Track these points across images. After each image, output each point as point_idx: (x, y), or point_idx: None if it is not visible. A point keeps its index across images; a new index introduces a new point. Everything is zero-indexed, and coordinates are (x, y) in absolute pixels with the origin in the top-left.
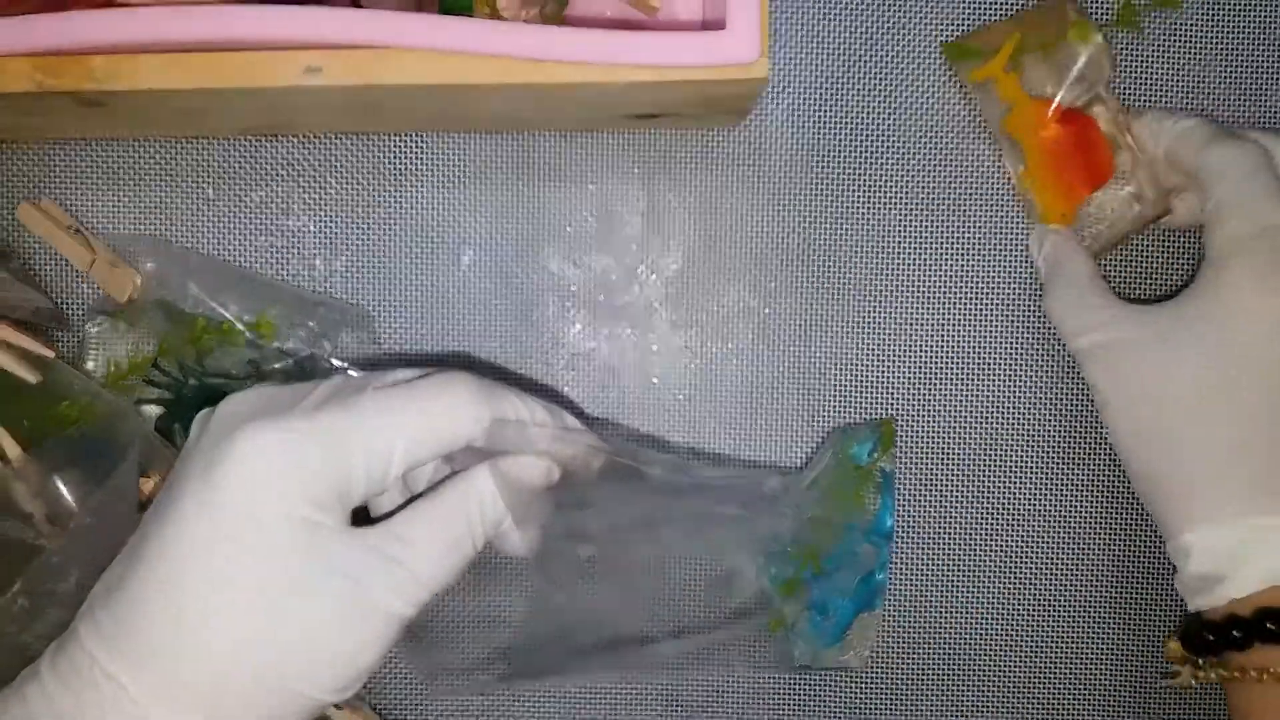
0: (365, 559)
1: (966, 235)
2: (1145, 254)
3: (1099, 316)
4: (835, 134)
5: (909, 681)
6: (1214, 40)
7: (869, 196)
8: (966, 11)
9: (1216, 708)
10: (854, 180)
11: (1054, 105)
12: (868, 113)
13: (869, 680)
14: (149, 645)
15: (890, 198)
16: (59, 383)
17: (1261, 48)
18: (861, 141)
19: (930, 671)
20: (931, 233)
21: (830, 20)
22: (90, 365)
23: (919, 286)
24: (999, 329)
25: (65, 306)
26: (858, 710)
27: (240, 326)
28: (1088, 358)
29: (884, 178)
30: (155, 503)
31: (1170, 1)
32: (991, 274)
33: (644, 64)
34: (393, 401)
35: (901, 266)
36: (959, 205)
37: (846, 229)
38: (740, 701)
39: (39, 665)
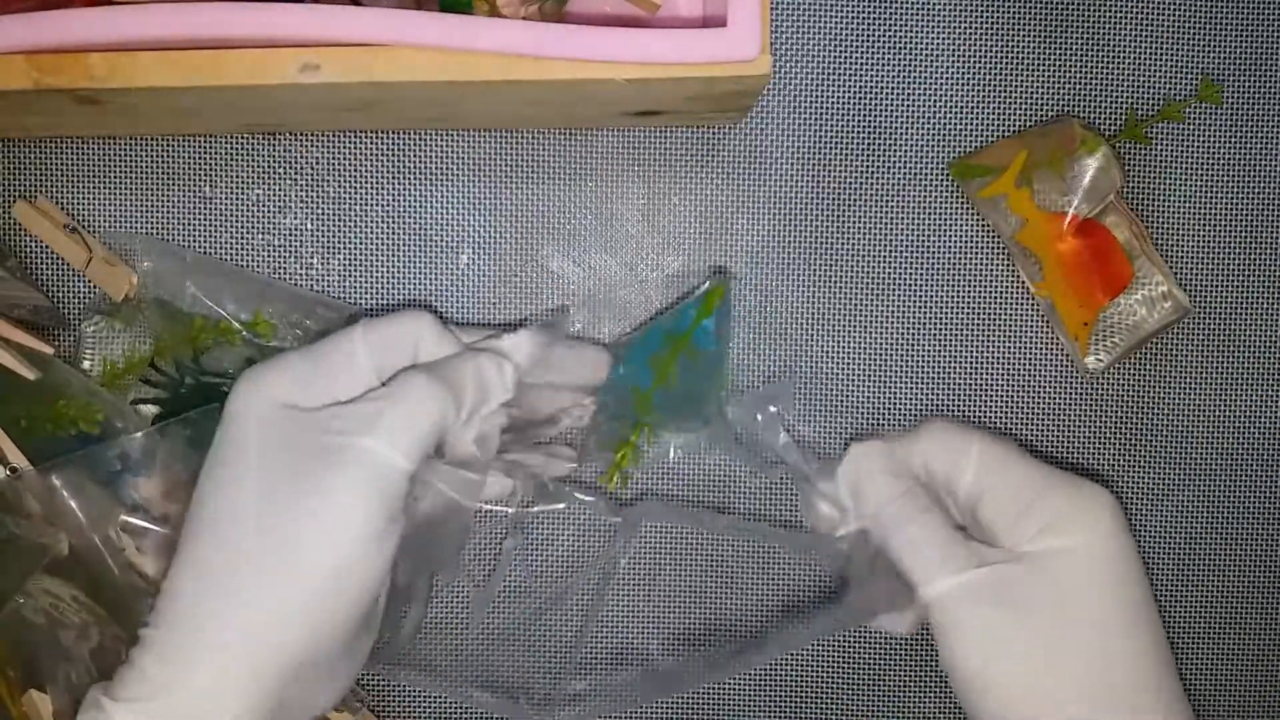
0: (339, 410)
1: (967, 231)
2: None
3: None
4: (835, 132)
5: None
6: (1219, 149)
7: (869, 194)
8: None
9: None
10: (854, 178)
11: (1069, 218)
12: (868, 110)
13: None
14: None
15: (891, 195)
16: (57, 381)
17: (1265, 156)
18: (862, 139)
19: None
20: (932, 230)
21: (830, 17)
22: (87, 364)
23: (920, 284)
24: (1000, 325)
25: (61, 305)
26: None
27: (237, 325)
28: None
29: (884, 175)
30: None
31: (1173, 115)
32: (992, 269)
33: (644, 61)
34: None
35: (902, 264)
36: (959, 202)
37: (847, 226)
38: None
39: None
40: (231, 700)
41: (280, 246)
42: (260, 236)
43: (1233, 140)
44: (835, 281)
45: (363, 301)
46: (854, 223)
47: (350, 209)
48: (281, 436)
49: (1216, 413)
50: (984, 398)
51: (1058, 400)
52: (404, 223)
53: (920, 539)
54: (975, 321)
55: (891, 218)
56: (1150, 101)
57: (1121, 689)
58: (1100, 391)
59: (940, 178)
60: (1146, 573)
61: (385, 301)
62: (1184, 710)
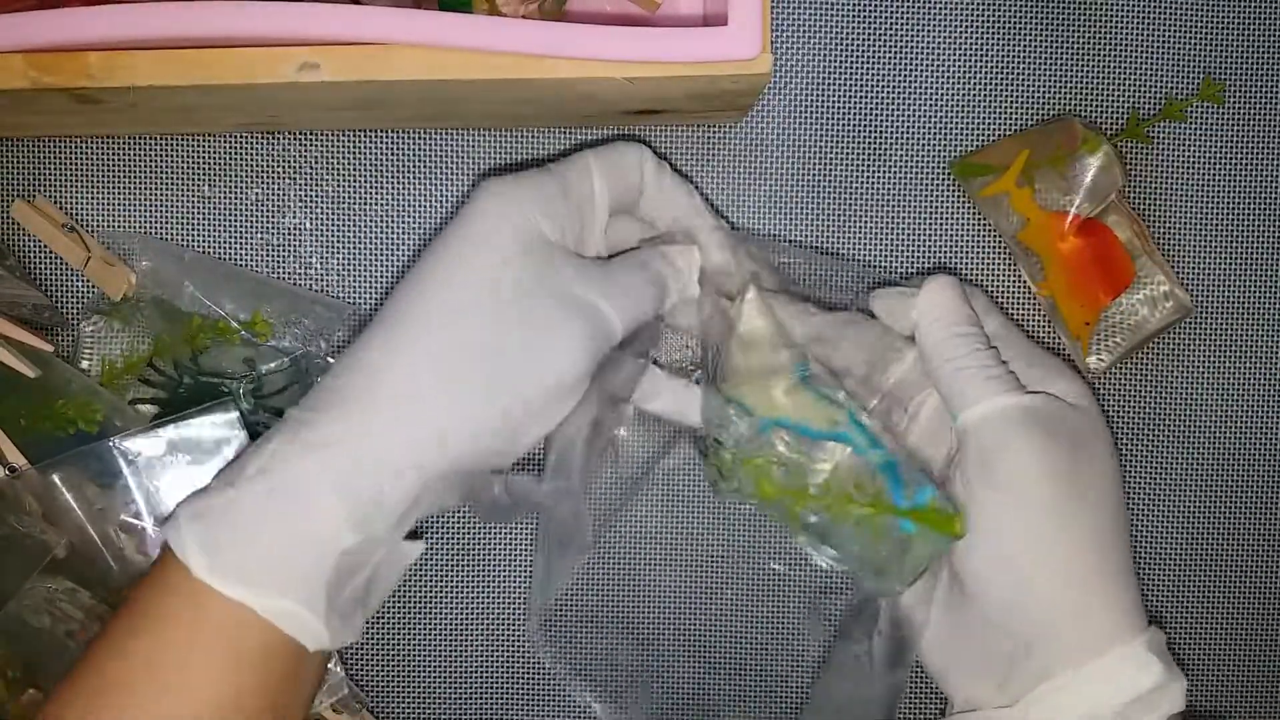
0: (583, 265)
1: (969, 225)
2: None
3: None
4: (836, 132)
5: None
6: (1221, 149)
7: (871, 193)
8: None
9: None
10: (855, 178)
11: (1070, 217)
12: (869, 109)
13: None
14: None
15: (892, 194)
16: (56, 380)
17: (1266, 156)
18: (863, 138)
19: None
20: (932, 226)
21: (831, 16)
22: (85, 364)
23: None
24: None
25: (60, 305)
26: None
27: (236, 325)
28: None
29: (886, 174)
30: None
31: (1175, 114)
32: (994, 268)
33: (644, 60)
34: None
35: (903, 263)
36: (960, 198)
37: (847, 227)
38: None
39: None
40: (413, 455)
41: (279, 246)
42: (259, 235)
43: (1235, 140)
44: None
45: (362, 301)
46: (855, 222)
47: (350, 208)
48: (536, 267)
49: (1218, 412)
50: None
51: None
52: (404, 222)
53: (974, 364)
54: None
55: (893, 217)
56: (1152, 101)
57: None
58: (1102, 391)
59: (942, 177)
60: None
61: (383, 300)
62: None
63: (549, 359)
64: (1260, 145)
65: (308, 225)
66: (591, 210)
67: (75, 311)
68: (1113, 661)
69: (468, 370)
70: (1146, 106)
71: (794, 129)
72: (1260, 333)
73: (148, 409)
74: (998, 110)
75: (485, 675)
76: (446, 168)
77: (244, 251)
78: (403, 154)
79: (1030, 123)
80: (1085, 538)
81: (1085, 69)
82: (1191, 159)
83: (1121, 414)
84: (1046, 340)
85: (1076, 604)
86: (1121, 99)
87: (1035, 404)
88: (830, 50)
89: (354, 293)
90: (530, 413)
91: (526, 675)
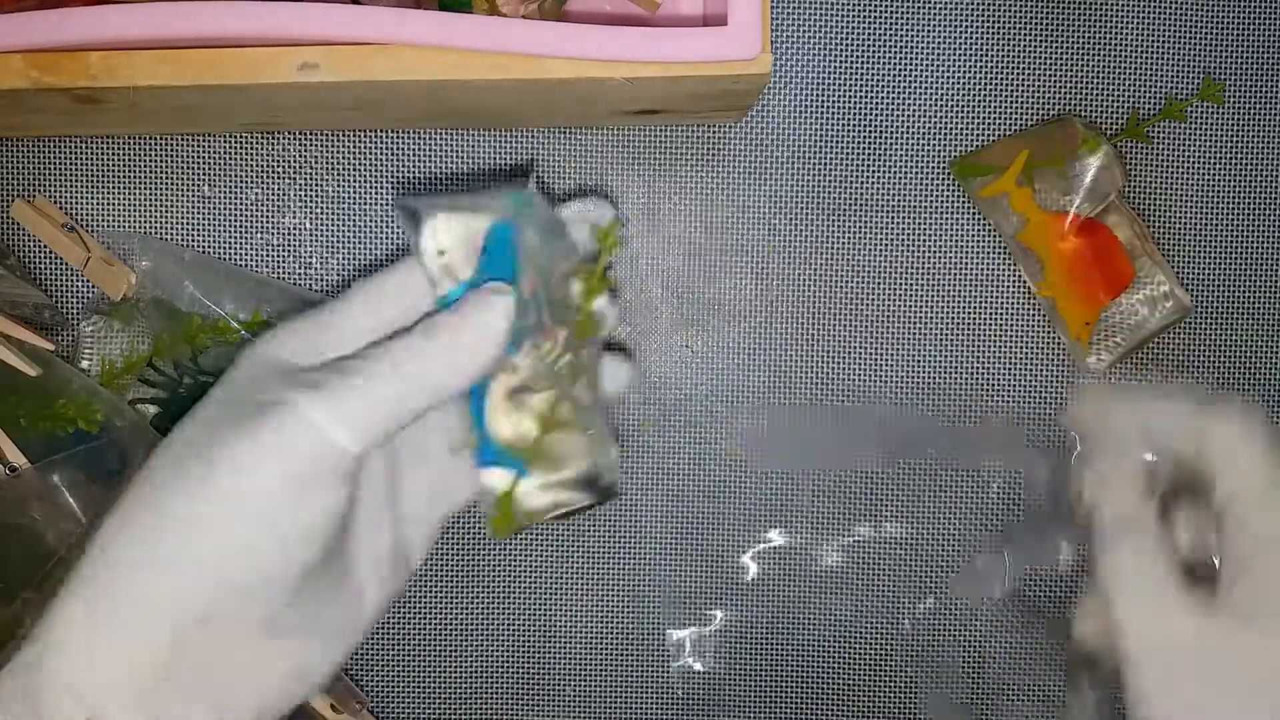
0: (296, 372)
1: (969, 225)
2: None
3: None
4: (836, 132)
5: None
6: (1221, 149)
7: (871, 193)
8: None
9: None
10: (855, 178)
11: (1070, 217)
12: (869, 109)
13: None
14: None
15: (892, 193)
16: (56, 380)
17: (1266, 156)
18: (863, 138)
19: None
20: (932, 226)
21: (831, 15)
22: (85, 364)
23: (921, 283)
24: (1002, 324)
25: (60, 305)
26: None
27: (235, 325)
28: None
29: (886, 174)
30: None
31: (1175, 114)
32: (993, 268)
33: (644, 60)
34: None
35: (903, 263)
36: (960, 198)
37: (847, 226)
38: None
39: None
40: (127, 651)
41: (279, 246)
42: (259, 235)
43: (1235, 140)
44: (836, 280)
45: None
46: (855, 222)
47: (349, 208)
48: (242, 386)
49: None
50: (985, 397)
51: (1060, 400)
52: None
53: (1131, 568)
54: (976, 321)
55: (893, 216)
56: (1152, 101)
57: None
58: None
59: (942, 177)
60: None
61: None
62: None
63: (221, 493)
64: (1260, 145)
65: (308, 225)
66: (346, 340)
67: (75, 311)
68: None
69: (154, 533)
70: (1146, 106)
71: (794, 129)
72: (1260, 333)
73: (148, 409)
74: (998, 110)
75: (485, 675)
76: (446, 168)
77: (244, 251)
78: (403, 154)
79: (1030, 123)
80: None
81: (1085, 69)
82: (1191, 159)
83: None
84: (1046, 340)
85: None
86: (1121, 99)
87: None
88: (830, 50)
89: None
90: (228, 554)
91: (527, 675)
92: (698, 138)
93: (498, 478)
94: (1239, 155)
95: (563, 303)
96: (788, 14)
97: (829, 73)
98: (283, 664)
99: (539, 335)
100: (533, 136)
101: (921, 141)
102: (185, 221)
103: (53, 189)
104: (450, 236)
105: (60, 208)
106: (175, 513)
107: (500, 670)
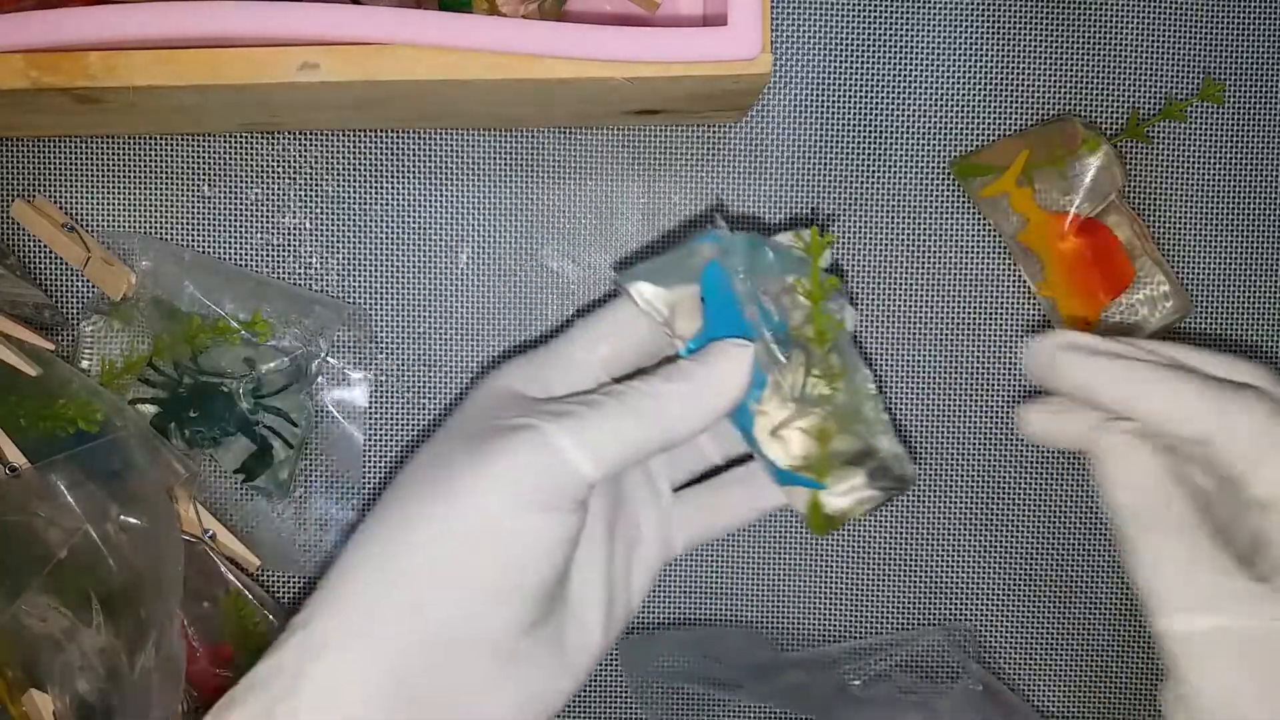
0: (528, 407)
1: (969, 225)
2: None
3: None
4: (836, 131)
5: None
6: (1221, 149)
7: (871, 193)
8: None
9: None
10: (855, 178)
11: (1070, 217)
12: (869, 109)
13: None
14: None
15: (892, 193)
16: (57, 380)
17: (1266, 156)
18: (863, 138)
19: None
20: (932, 226)
21: (831, 15)
22: (85, 364)
23: (921, 283)
24: (1002, 324)
25: (60, 305)
26: None
27: (235, 325)
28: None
29: (885, 174)
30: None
31: (1175, 114)
32: (993, 268)
33: (644, 60)
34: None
35: (903, 263)
36: (960, 198)
37: (847, 226)
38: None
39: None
40: (375, 668)
41: (279, 246)
42: (259, 235)
43: (1235, 139)
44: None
45: (362, 301)
46: (855, 222)
47: (349, 208)
48: (479, 414)
49: None
50: (985, 398)
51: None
52: (403, 222)
53: (1166, 556)
54: (976, 321)
55: (893, 217)
56: (1152, 100)
57: None
58: None
59: (942, 177)
60: None
61: (385, 301)
62: None
63: (458, 510)
64: (1260, 145)
65: (308, 225)
66: (576, 376)
67: (75, 311)
68: None
69: (389, 558)
70: (1146, 106)
71: (794, 129)
72: (1260, 333)
73: (148, 409)
74: (998, 110)
75: None
76: (446, 168)
77: (244, 251)
78: (403, 154)
79: (1030, 123)
80: None
81: (1085, 69)
82: (1191, 159)
83: None
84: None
85: None
86: (1121, 99)
87: (1250, 628)
88: (830, 50)
89: (354, 293)
90: (461, 576)
91: None
92: (698, 138)
93: (798, 496)
94: (1239, 155)
95: (790, 319)
96: (788, 14)
97: (829, 73)
98: (510, 694)
99: (777, 371)
100: (533, 136)
101: (921, 141)
102: (185, 221)
103: (53, 189)
104: (662, 302)
105: (60, 208)
106: (420, 528)
107: None
